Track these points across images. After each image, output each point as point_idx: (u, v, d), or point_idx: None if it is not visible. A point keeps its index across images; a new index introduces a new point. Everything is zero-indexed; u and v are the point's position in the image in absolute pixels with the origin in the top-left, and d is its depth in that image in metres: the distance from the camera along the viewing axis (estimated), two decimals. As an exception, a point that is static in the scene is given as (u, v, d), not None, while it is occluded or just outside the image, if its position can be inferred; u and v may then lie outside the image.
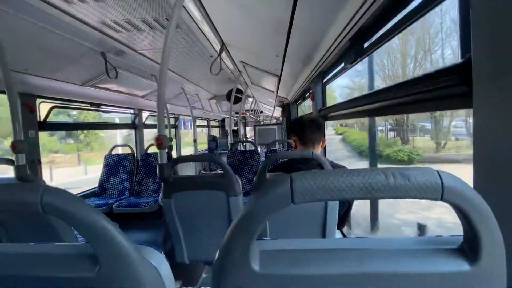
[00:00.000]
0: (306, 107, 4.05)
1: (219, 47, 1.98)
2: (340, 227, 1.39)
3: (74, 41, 1.85)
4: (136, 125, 3.82)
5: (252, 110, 8.09)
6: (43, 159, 2.30)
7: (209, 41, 1.86)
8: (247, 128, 10.14)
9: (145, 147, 3.79)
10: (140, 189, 3.31)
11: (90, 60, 2.16)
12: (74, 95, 2.63)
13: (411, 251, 0.37)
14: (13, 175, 1.52)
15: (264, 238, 0.42)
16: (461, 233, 0.38)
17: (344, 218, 1.38)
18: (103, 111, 3.25)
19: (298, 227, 1.21)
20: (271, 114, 8.49)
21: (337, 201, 1.19)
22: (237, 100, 3.98)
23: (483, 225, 0.32)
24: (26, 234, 1.35)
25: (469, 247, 0.35)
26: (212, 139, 7.29)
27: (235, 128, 7.42)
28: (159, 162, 1.26)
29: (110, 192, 3.22)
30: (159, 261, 0.42)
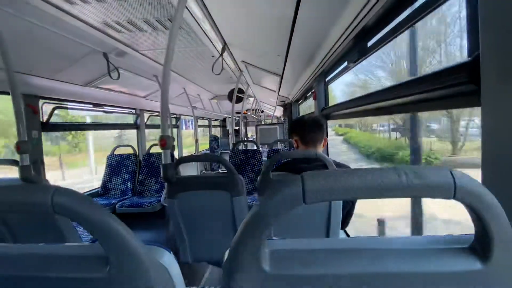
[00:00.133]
0: (308, 107, 4.04)
1: (221, 47, 1.98)
2: (343, 226, 1.38)
3: (76, 42, 1.86)
4: (138, 126, 3.82)
5: (253, 110, 8.09)
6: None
7: (211, 41, 1.86)
8: (248, 128, 10.14)
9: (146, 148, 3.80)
10: (142, 189, 3.32)
11: (92, 61, 2.16)
12: (77, 96, 2.64)
13: (422, 250, 0.36)
14: (11, 175, 1.53)
15: (272, 237, 0.42)
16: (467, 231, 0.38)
17: (347, 218, 1.38)
18: (104, 112, 3.25)
19: (302, 226, 1.21)
20: (272, 113, 8.48)
21: (341, 201, 1.19)
22: (239, 100, 3.98)
23: (495, 224, 0.32)
24: (30, 234, 1.36)
25: (480, 246, 0.34)
26: (213, 139, 7.30)
27: (237, 128, 7.42)
28: (163, 162, 1.26)
29: (113, 192, 3.23)
30: (169, 261, 0.42)
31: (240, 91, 3.81)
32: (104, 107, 3.18)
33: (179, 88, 3.74)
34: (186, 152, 5.88)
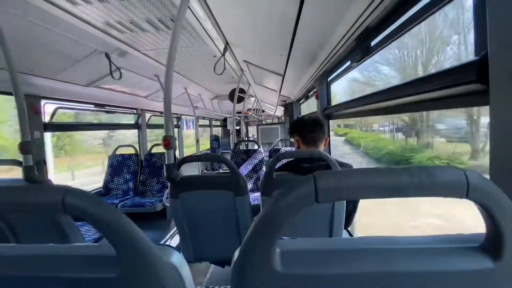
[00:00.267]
0: (309, 106, 4.03)
1: (223, 46, 1.98)
2: (346, 226, 1.38)
3: (78, 42, 1.86)
4: (139, 125, 3.83)
5: (254, 110, 8.09)
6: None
7: (213, 40, 1.86)
8: (249, 128, 10.14)
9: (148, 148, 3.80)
10: (144, 189, 3.32)
11: (94, 61, 2.17)
12: (78, 96, 2.64)
13: (433, 249, 0.36)
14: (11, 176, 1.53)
15: (282, 237, 0.42)
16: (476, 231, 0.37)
17: (350, 217, 1.38)
18: (106, 112, 3.26)
19: (305, 226, 1.21)
20: (273, 113, 8.48)
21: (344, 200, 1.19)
22: (240, 100, 3.98)
23: (508, 223, 0.32)
24: (33, 233, 1.36)
25: (492, 245, 0.34)
26: (214, 139, 7.31)
27: (238, 127, 7.42)
28: (166, 162, 1.26)
29: (115, 192, 3.23)
30: (179, 261, 0.42)
31: (242, 91, 3.80)
32: (106, 107, 3.18)
33: (180, 88, 3.74)
34: (187, 152, 5.89)
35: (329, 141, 2.22)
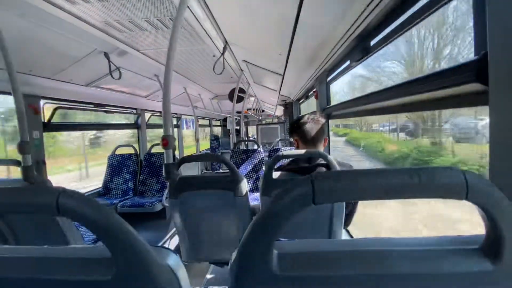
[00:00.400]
0: (309, 106, 4.03)
1: (222, 46, 1.97)
2: (346, 225, 1.38)
3: (77, 41, 1.85)
4: (138, 125, 3.82)
5: (254, 109, 8.09)
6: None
7: (212, 40, 1.85)
8: (249, 128, 10.14)
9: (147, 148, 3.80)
10: (143, 189, 3.32)
11: (93, 61, 2.16)
12: (78, 96, 2.64)
13: (432, 251, 0.36)
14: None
15: (280, 239, 0.42)
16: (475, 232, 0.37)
17: (350, 217, 1.38)
18: (106, 111, 3.25)
19: (304, 226, 1.21)
20: (273, 113, 8.48)
21: None
22: (240, 100, 3.97)
23: (508, 225, 0.32)
24: (32, 234, 1.35)
25: (491, 246, 0.34)
26: (214, 139, 7.30)
27: (237, 127, 7.42)
28: (165, 162, 1.26)
29: (114, 192, 3.23)
30: (175, 263, 0.42)
31: (241, 90, 3.80)
32: (105, 107, 3.18)
33: (180, 87, 3.74)
34: (186, 152, 5.88)
35: (329, 142, 2.22)
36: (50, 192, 0.36)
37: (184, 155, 4.98)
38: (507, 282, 0.33)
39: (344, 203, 1.21)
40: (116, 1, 1.39)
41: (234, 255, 0.38)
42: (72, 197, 0.36)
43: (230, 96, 3.86)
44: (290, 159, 1.41)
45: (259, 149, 3.36)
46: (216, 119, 8.44)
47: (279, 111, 7.95)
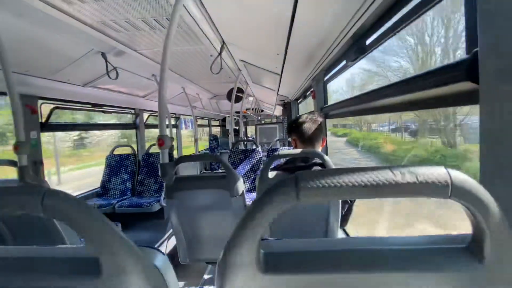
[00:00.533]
0: (307, 105, 4.03)
1: (220, 46, 1.97)
2: (342, 225, 1.38)
3: (74, 41, 1.85)
4: (137, 125, 3.82)
5: (253, 109, 8.09)
6: None
7: (209, 40, 1.85)
8: (248, 127, 10.13)
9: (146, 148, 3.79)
10: (142, 189, 3.32)
11: (90, 61, 2.16)
12: (75, 96, 2.64)
13: (419, 250, 0.36)
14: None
15: (267, 238, 0.42)
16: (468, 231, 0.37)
17: (346, 216, 1.38)
18: (103, 112, 3.25)
19: (301, 225, 1.21)
20: (272, 112, 8.48)
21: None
22: (238, 99, 3.97)
23: (493, 223, 0.32)
24: (31, 235, 1.35)
25: (478, 245, 0.34)
26: (213, 139, 7.29)
27: (236, 127, 7.41)
28: (161, 162, 1.26)
29: (112, 192, 3.23)
30: (163, 263, 0.41)
31: (240, 90, 3.80)
32: (103, 107, 3.17)
33: (178, 87, 3.74)
34: (185, 152, 5.87)
35: (326, 141, 2.22)
36: (35, 192, 0.35)
37: (183, 155, 4.97)
38: (493, 281, 0.33)
39: (340, 203, 1.21)
40: (112, 1, 1.39)
41: (220, 254, 0.38)
42: (57, 197, 0.36)
43: (228, 96, 3.85)
44: (287, 158, 1.41)
45: (257, 149, 3.36)
46: (215, 119, 8.43)
47: (278, 111, 7.95)
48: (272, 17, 1.35)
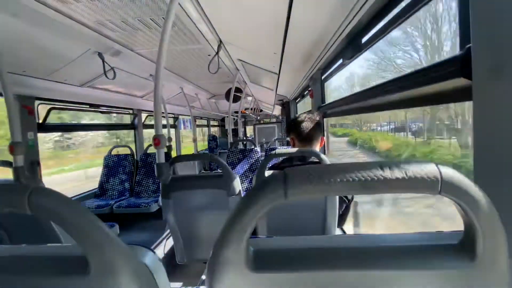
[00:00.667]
0: (305, 105, 4.02)
1: (217, 45, 1.97)
2: (340, 224, 1.38)
3: (71, 41, 1.84)
4: (135, 126, 3.81)
5: (251, 109, 8.09)
6: None
7: (206, 39, 1.85)
8: (247, 127, 10.13)
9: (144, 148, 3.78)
10: (140, 189, 3.31)
11: (87, 61, 2.15)
12: (73, 96, 2.63)
13: (411, 247, 0.36)
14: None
15: (259, 236, 0.41)
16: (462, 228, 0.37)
17: (344, 215, 1.37)
18: (101, 112, 3.24)
19: (298, 223, 1.21)
20: (271, 112, 8.48)
21: (337, 197, 1.18)
22: (236, 99, 3.97)
23: (484, 220, 0.31)
24: (27, 236, 1.35)
25: (469, 242, 0.34)
26: (212, 139, 7.29)
27: (236, 127, 7.41)
28: (156, 162, 1.26)
29: (110, 193, 3.22)
30: (153, 261, 0.41)
31: (238, 90, 3.80)
32: (101, 107, 3.16)
33: (176, 87, 3.73)
34: (184, 152, 5.86)
35: (325, 141, 2.22)
36: (21, 190, 0.35)
37: (178, 155, 4.96)
38: (485, 278, 0.33)
39: (338, 201, 1.21)
40: (108, 1, 1.38)
41: (210, 253, 0.38)
42: (44, 195, 0.35)
43: (227, 95, 3.85)
44: (285, 158, 1.41)
45: (255, 148, 3.36)
46: (214, 119, 8.42)
47: (277, 111, 7.94)
48: (268, 16, 1.35)
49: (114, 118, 3.88)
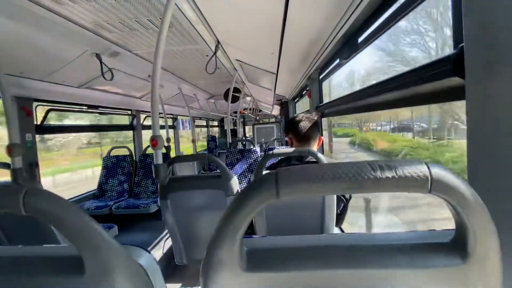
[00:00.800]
0: (303, 104, 4.03)
1: (214, 45, 1.97)
2: (338, 223, 1.38)
3: (68, 43, 1.84)
4: (134, 127, 3.81)
5: (250, 109, 8.09)
6: None
7: (204, 40, 1.85)
8: (246, 127, 10.13)
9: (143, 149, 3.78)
10: (139, 190, 3.31)
11: (85, 62, 2.15)
12: (71, 98, 2.62)
13: (403, 246, 0.36)
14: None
15: (253, 235, 0.42)
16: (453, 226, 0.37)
17: (342, 215, 1.38)
18: (100, 113, 3.24)
19: (296, 223, 1.21)
20: (270, 112, 8.48)
21: (334, 196, 1.19)
22: (235, 99, 3.97)
23: (476, 218, 0.31)
24: (25, 237, 1.34)
25: (461, 241, 0.34)
26: (211, 139, 7.29)
27: (235, 127, 7.41)
28: (154, 163, 1.26)
29: (109, 194, 3.22)
30: (148, 261, 0.41)
31: (237, 90, 3.80)
32: (100, 108, 3.16)
33: (174, 88, 3.73)
34: (186, 153, 5.85)
35: (323, 141, 2.22)
36: (15, 190, 0.35)
37: (176, 156, 4.96)
38: (477, 276, 0.33)
39: (335, 201, 1.21)
40: (104, 2, 1.38)
41: (205, 253, 0.38)
42: (39, 195, 0.35)
43: (225, 95, 3.85)
44: (282, 157, 1.41)
45: (254, 148, 3.36)
46: (213, 120, 8.42)
47: (276, 111, 7.95)
48: (265, 16, 1.35)
49: (112, 120, 3.87)
